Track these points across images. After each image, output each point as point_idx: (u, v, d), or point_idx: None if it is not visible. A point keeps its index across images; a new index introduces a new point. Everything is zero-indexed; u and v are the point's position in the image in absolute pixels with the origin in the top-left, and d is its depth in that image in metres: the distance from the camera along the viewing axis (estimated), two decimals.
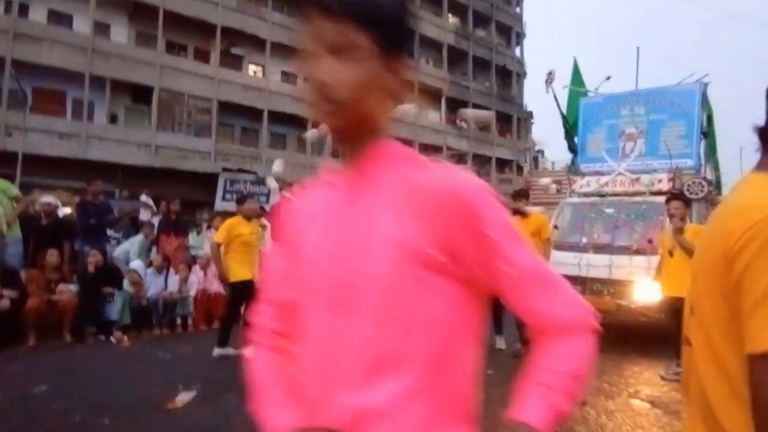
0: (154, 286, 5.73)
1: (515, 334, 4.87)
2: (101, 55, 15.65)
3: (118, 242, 6.64)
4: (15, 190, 5.46)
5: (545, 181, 9.09)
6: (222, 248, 4.69)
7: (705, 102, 6.72)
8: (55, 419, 3.10)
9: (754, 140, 0.81)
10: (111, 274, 5.55)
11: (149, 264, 6.04)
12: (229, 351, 4.52)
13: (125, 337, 5.27)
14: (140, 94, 17.01)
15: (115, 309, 5.34)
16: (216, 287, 6.12)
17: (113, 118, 16.89)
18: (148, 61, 16.49)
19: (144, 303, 5.59)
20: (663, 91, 6.60)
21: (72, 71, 15.18)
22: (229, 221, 4.89)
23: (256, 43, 19.15)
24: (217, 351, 4.60)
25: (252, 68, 19.97)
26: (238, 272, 4.63)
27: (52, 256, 5.29)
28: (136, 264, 5.82)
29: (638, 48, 7.48)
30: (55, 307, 5.05)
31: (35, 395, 3.54)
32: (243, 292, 4.53)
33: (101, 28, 16.35)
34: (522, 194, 5.03)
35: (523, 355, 4.79)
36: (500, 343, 5.21)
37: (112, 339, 5.22)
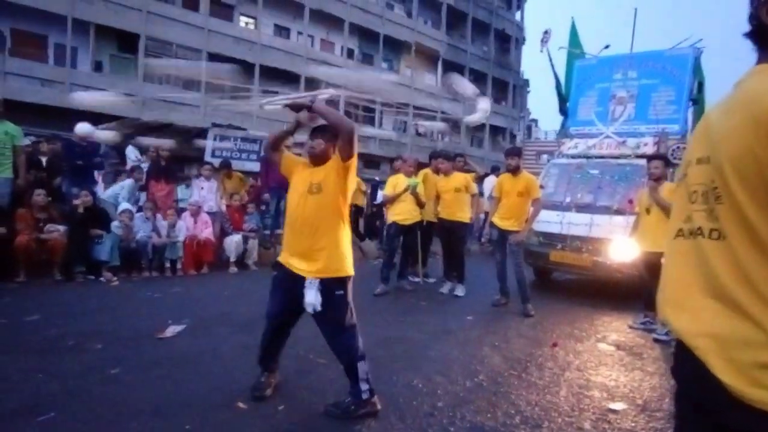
0: (142, 229, 5.78)
1: (497, 286, 5.08)
2: None
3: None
4: (19, 138, 5.40)
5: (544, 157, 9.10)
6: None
7: (697, 68, 6.74)
8: (48, 344, 3.22)
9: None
10: (100, 215, 5.57)
11: (138, 208, 6.06)
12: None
13: (115, 278, 5.37)
14: (126, 42, 16.42)
15: (104, 250, 5.40)
16: (206, 234, 6.20)
17: (98, 66, 16.36)
18: (135, 6, 15.84)
19: (133, 245, 5.65)
20: (656, 55, 6.60)
21: (53, 14, 14.54)
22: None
23: None
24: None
25: (243, 20, 19.30)
26: None
27: (39, 195, 5.28)
28: (125, 205, 5.84)
29: (636, 9, 7.37)
30: (44, 245, 5.10)
31: (28, 323, 3.65)
32: None
33: None
34: (514, 152, 5.09)
35: (501, 305, 5.01)
36: (459, 291, 5.48)
37: (102, 278, 5.31)
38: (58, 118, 13.18)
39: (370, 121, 22.46)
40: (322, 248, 2.37)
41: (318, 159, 2.50)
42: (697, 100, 7.38)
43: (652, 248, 4.17)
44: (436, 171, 5.83)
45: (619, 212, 5.53)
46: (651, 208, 4.32)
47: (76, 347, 3.18)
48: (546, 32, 7.29)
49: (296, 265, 2.40)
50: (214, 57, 17.48)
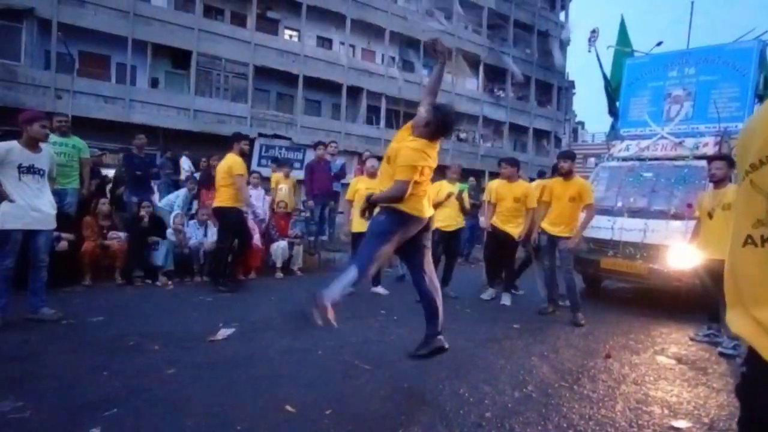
0: (195, 236, 6.06)
1: (544, 294, 4.93)
2: (142, 19, 16.00)
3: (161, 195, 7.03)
4: (86, 152, 5.80)
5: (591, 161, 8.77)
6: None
7: (763, 62, 6.28)
8: (112, 343, 3.42)
9: None
10: (156, 223, 5.89)
11: (192, 216, 6.36)
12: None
13: (170, 282, 5.65)
14: (179, 59, 17.36)
15: (160, 256, 5.70)
16: (253, 240, 6.40)
17: (154, 83, 17.38)
18: (187, 26, 16.75)
19: (186, 252, 5.93)
20: (716, 50, 6.21)
21: (115, 35, 15.63)
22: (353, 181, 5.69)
23: (292, 7, 19.04)
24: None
25: (287, 33, 19.93)
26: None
27: (104, 204, 5.66)
28: (179, 213, 6.15)
29: (692, 2, 6.98)
30: (107, 251, 5.45)
31: (93, 323, 3.90)
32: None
33: None
34: (568, 155, 4.92)
35: (548, 313, 4.84)
36: (506, 299, 5.33)
37: (158, 282, 5.60)
38: (120, 132, 14.11)
39: None
40: None
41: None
42: (764, 96, 6.88)
43: (715, 255, 3.89)
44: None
45: (676, 217, 5.22)
46: (714, 212, 4.05)
47: (136, 347, 3.36)
48: (593, 31, 7.04)
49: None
50: (259, 69, 18.17)
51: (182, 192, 6.62)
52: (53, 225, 3.89)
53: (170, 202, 6.41)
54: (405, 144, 2.75)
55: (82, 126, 13.42)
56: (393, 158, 2.75)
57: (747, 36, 6.29)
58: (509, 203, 5.22)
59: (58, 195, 4.77)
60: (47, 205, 3.79)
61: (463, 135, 25.15)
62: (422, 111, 2.79)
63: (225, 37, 17.50)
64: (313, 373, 3.03)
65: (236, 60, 17.89)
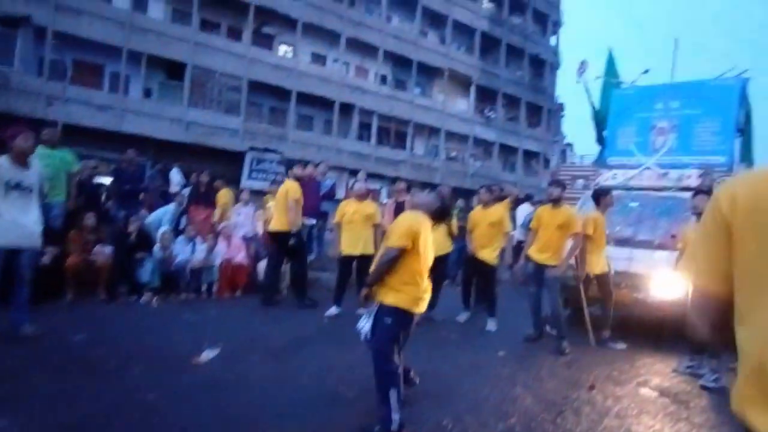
0: (182, 253, 6.00)
1: (529, 319, 4.95)
2: (138, 30, 16.05)
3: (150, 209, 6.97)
4: (75, 167, 5.74)
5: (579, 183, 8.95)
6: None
7: (743, 98, 6.51)
8: (92, 365, 3.36)
9: None
10: (144, 238, 5.84)
11: (179, 232, 6.31)
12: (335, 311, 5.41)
13: (154, 299, 5.57)
14: (174, 70, 17.40)
15: (146, 272, 5.63)
16: (240, 258, 6.37)
17: (147, 93, 17.36)
18: (183, 38, 16.84)
19: (172, 268, 5.87)
20: (700, 85, 6.42)
21: (110, 45, 15.64)
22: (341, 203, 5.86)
23: (288, 23, 19.26)
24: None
25: (283, 48, 20.12)
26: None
27: (90, 218, 5.60)
28: (167, 229, 6.10)
29: (676, 40, 7.24)
30: (91, 266, 5.37)
31: (75, 343, 3.83)
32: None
33: (139, 4, 16.72)
34: (559, 183, 5.04)
35: (533, 340, 4.87)
36: (491, 325, 5.38)
37: (143, 300, 5.52)
38: (111, 142, 14.03)
39: (401, 144, 22.71)
40: None
41: None
42: (744, 131, 7.10)
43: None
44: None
45: (661, 247, 5.31)
46: None
47: (117, 370, 3.30)
48: (582, 63, 7.24)
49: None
50: (253, 83, 18.27)
51: (170, 208, 6.58)
52: (38, 243, 3.85)
53: (158, 218, 6.36)
54: (403, 215, 2.94)
55: (73, 134, 13.36)
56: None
57: (729, 73, 6.51)
58: (484, 229, 5.36)
59: (44, 208, 4.71)
60: (33, 223, 3.75)
61: (453, 154, 25.43)
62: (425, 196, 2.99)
63: (220, 51, 17.61)
64: (297, 400, 3.00)
65: (231, 73, 17.98)
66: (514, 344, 4.75)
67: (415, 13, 22.68)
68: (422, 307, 2.81)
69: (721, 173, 6.04)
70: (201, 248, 6.09)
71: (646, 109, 6.75)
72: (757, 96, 7.46)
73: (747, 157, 7.55)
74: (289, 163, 5.82)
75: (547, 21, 28.31)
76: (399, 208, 6.22)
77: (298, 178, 6.10)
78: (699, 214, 4.20)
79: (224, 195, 7.27)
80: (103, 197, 6.58)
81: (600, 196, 5.16)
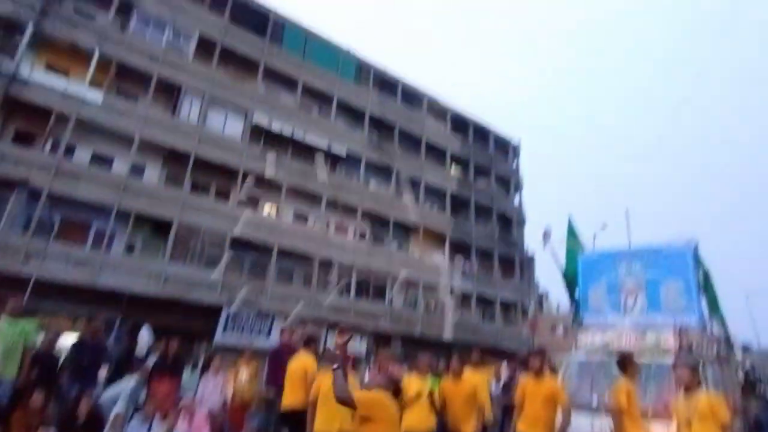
0: None
1: None
2: (132, 192, 16.98)
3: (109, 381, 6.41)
4: (33, 336, 5.51)
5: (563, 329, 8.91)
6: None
7: (698, 261, 7.02)
8: None
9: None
10: (94, 420, 5.25)
11: (137, 409, 5.72)
12: None
13: None
14: (159, 227, 17.93)
15: None
16: None
17: (130, 248, 17.54)
18: (173, 198, 17.79)
19: None
20: (656, 250, 6.97)
21: (102, 205, 16.31)
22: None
23: (273, 186, 20.81)
24: None
25: (267, 207, 21.34)
26: None
27: (37, 399, 5.07)
28: (122, 408, 5.54)
29: (627, 209, 8.09)
30: None
31: None
32: None
33: (136, 169, 18.03)
34: (539, 353, 4.89)
35: None
36: None
37: None
38: (82, 297, 13.60)
39: (381, 295, 22.71)
40: None
41: None
42: (706, 289, 7.49)
43: None
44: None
45: (656, 416, 5.07)
46: (692, 421, 3.96)
47: None
48: (545, 233, 7.88)
49: None
50: (235, 241, 18.82)
51: (129, 385, 6.02)
52: None
53: (116, 395, 5.81)
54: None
55: (44, 290, 12.97)
56: None
57: (678, 238, 7.14)
58: (459, 403, 5.10)
59: None
60: None
61: (432, 305, 25.40)
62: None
63: (207, 211, 18.51)
64: None
65: (215, 231, 18.62)
66: None
67: (391, 178, 25.02)
68: None
69: (696, 334, 6.17)
70: (158, 429, 5.46)
71: (612, 271, 7.17)
72: (710, 251, 8.07)
73: (716, 313, 7.81)
74: (309, 339, 5.60)
75: (510, 183, 31.53)
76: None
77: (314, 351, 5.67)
78: (684, 387, 4.13)
79: None
80: (58, 368, 6.08)
81: (626, 362, 4.73)
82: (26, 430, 4.83)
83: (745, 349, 8.27)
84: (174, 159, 18.83)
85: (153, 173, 18.83)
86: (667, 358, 5.42)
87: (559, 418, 4.60)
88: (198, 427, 5.71)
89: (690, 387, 4.06)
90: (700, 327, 6.49)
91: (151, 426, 5.50)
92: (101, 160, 17.57)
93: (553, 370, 6.26)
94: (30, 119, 16.09)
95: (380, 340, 21.03)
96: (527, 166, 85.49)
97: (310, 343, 5.68)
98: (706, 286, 7.54)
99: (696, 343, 5.96)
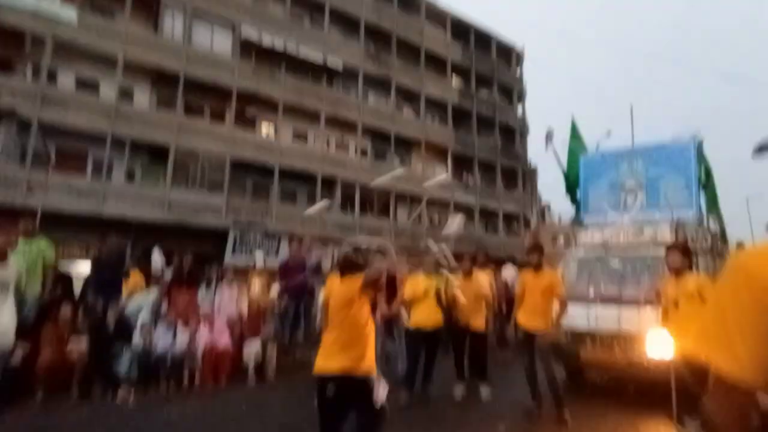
0: (163, 341, 5.77)
1: (525, 387, 4.80)
2: (124, 118, 16.57)
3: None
4: (51, 257, 5.64)
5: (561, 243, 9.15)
6: None
7: (701, 157, 6.94)
8: None
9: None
10: (122, 328, 5.62)
11: (159, 319, 6.10)
12: None
13: (131, 395, 5.23)
14: (158, 152, 17.76)
15: (123, 363, 5.35)
16: (223, 343, 6.13)
17: (130, 175, 17.55)
18: (167, 123, 17.40)
19: (152, 358, 5.60)
20: (659, 147, 6.86)
21: (95, 133, 16.02)
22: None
23: (269, 105, 20.19)
24: None
25: (265, 127, 20.91)
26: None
27: (65, 311, 5.40)
28: (147, 318, 5.90)
29: (632, 106, 7.83)
30: (65, 361, 5.09)
31: None
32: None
33: (125, 93, 17.42)
34: (535, 248, 5.10)
35: (534, 411, 4.69)
36: (485, 393, 5.31)
37: (119, 397, 5.18)
38: (92, 226, 13.90)
39: (385, 212, 23.08)
40: None
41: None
42: (707, 186, 7.50)
43: (689, 349, 3.96)
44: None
45: (647, 304, 5.35)
46: (679, 302, 4.18)
47: None
48: (548, 133, 7.71)
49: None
50: (236, 162, 18.71)
51: (151, 295, 6.41)
52: (11, 342, 3.67)
53: (138, 305, 6.16)
54: None
55: (51, 221, 13.23)
56: None
57: (683, 134, 7.00)
58: (471, 300, 5.44)
59: (18, 302, 4.55)
60: (7, 322, 3.60)
61: (436, 219, 25.86)
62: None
63: (204, 133, 18.18)
64: None
65: (214, 154, 18.44)
66: (513, 416, 4.56)
67: (390, 91, 24.13)
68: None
69: (692, 226, 6.29)
70: (182, 335, 5.86)
71: (613, 171, 7.13)
72: (713, 151, 7.98)
73: (714, 210, 7.90)
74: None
75: (512, 92, 30.40)
76: (391, 280, 6.18)
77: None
78: (674, 270, 4.29)
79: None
80: (81, 287, 6.40)
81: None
82: (58, 341, 5.21)
83: (740, 245, 8.47)
84: (163, 81, 18.10)
85: (143, 97, 18.21)
86: (662, 251, 5.58)
87: (556, 308, 4.88)
88: (219, 333, 6.13)
89: (680, 271, 4.24)
90: (697, 222, 6.59)
91: (175, 332, 5.91)
92: (86, 85, 16.92)
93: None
94: (5, 44, 15.24)
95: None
96: (530, 73, 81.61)
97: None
98: (707, 183, 7.54)
99: (691, 236, 6.09)
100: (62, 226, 14.05)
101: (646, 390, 5.26)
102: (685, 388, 4.16)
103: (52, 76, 15.97)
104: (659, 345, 4.73)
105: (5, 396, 4.25)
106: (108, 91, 16.98)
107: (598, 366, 5.46)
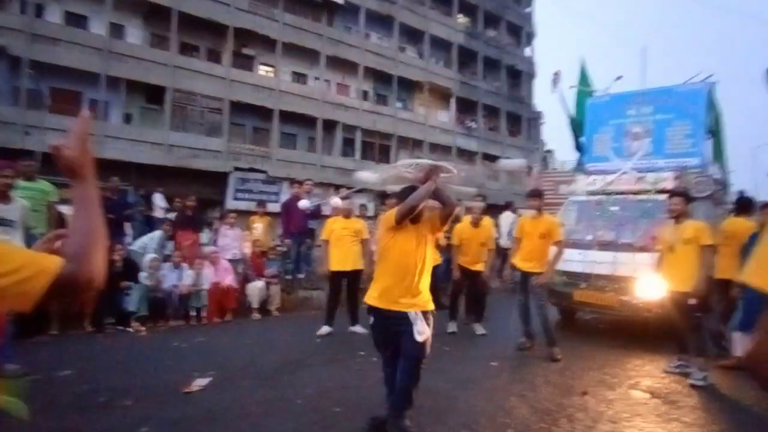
0: (169, 279, 5.94)
1: (520, 327, 5.00)
2: (117, 56, 16.01)
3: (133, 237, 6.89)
4: (53, 196, 5.64)
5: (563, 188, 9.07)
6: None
7: (711, 102, 6.74)
8: (81, 400, 3.29)
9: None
10: (129, 267, 5.77)
11: (166, 258, 6.24)
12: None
13: (143, 328, 5.49)
14: (154, 95, 17.34)
15: (132, 301, 5.55)
16: (228, 281, 6.32)
17: (128, 118, 17.25)
18: (162, 62, 16.83)
19: (160, 295, 5.80)
20: (669, 90, 6.65)
21: (88, 72, 15.54)
22: (328, 220, 5.70)
23: (267, 44, 19.41)
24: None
25: (263, 68, 20.22)
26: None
27: None
28: (153, 257, 6.03)
29: (644, 47, 7.50)
30: None
31: (62, 378, 3.74)
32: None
33: (116, 30, 16.70)
34: (535, 194, 5.11)
35: (526, 348, 4.91)
36: (479, 329, 5.64)
37: (130, 329, 5.43)
38: (96, 168, 13.82)
39: (385, 158, 22.87)
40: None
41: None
42: (715, 133, 7.35)
43: (680, 288, 4.08)
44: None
45: (643, 249, 5.43)
46: (675, 246, 4.25)
47: (106, 404, 3.24)
48: (556, 73, 7.45)
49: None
50: (235, 105, 18.30)
51: (156, 234, 6.52)
52: None
53: (144, 244, 6.29)
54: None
55: (50, 162, 13.17)
56: None
57: (695, 78, 6.76)
58: (474, 247, 5.62)
59: (27, 241, 4.63)
60: None
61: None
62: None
63: (200, 73, 17.63)
64: (292, 425, 2.98)
65: (212, 95, 17.99)
66: (506, 353, 4.78)
67: (393, 30, 23.07)
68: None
69: (695, 174, 6.24)
70: (188, 273, 6.03)
71: (620, 116, 6.95)
72: (724, 99, 7.75)
73: (720, 158, 7.80)
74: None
75: (521, 33, 29.03)
76: None
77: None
78: (675, 216, 4.32)
79: None
80: None
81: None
82: None
83: (741, 193, 8.43)
84: (155, 16, 17.30)
85: (135, 34, 17.49)
86: (661, 197, 5.58)
87: (552, 251, 4.98)
88: (224, 271, 6.31)
89: (680, 216, 4.28)
90: (701, 169, 6.52)
91: (181, 270, 6.07)
92: (75, 20, 16.21)
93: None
94: None
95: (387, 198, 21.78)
96: (542, 12, 77.21)
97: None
98: (716, 129, 7.38)
99: (693, 182, 6.05)
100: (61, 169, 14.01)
101: (635, 330, 5.48)
102: (676, 329, 4.33)
103: (39, 12, 15.27)
104: (650, 287, 4.86)
105: (22, 328, 4.43)
106: (98, 26, 16.28)
107: (591, 306, 5.64)
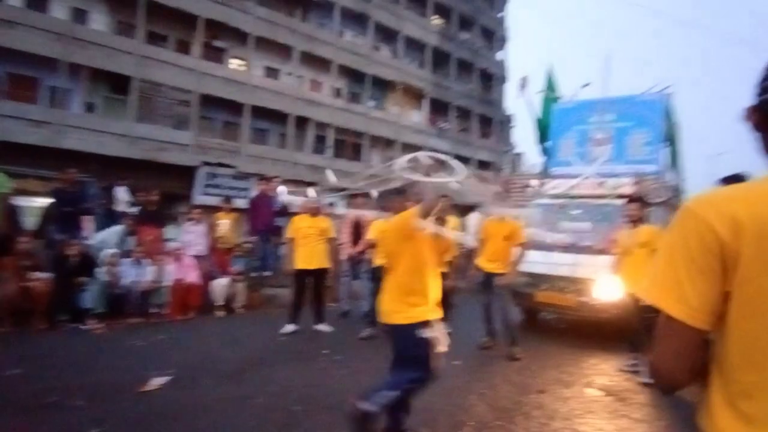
0: (129, 275, 5.75)
1: (483, 327, 5.11)
2: (79, 42, 15.32)
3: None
4: (6, 187, 5.39)
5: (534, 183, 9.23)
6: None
7: (668, 112, 7.08)
8: (30, 401, 3.16)
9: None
10: (86, 262, 5.55)
11: (127, 253, 6.04)
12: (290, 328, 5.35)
13: (99, 325, 5.29)
14: (119, 84, 16.70)
15: (89, 297, 5.35)
16: (191, 278, 6.18)
17: (90, 107, 16.55)
18: (128, 51, 16.23)
19: (119, 291, 5.61)
20: (629, 99, 6.94)
21: (48, 58, 14.82)
22: (294, 218, 5.67)
23: (239, 37, 19.02)
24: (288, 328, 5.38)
25: (234, 62, 19.81)
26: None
27: (24, 242, 5.27)
28: (111, 252, 5.84)
29: (608, 56, 7.80)
30: (28, 293, 5.05)
31: (10, 378, 3.57)
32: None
33: (79, 15, 16.01)
34: (500, 198, 5.24)
35: (488, 347, 5.02)
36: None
37: (86, 326, 5.23)
38: (50, 159, 13.22)
39: (357, 156, 22.83)
40: None
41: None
42: (672, 141, 7.72)
43: (635, 290, 4.27)
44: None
45: (602, 252, 5.65)
46: (632, 249, 4.44)
47: (58, 404, 3.12)
48: (523, 79, 7.63)
49: None
50: (205, 98, 17.85)
51: (116, 229, 6.30)
52: None
53: (103, 240, 6.07)
54: None
55: (6, 151, 12.49)
56: None
57: (654, 88, 7.08)
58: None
59: None
60: None
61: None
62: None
63: (168, 64, 17.11)
64: (253, 423, 2.95)
65: (180, 87, 17.48)
66: (469, 353, 4.88)
67: (367, 29, 23.05)
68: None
69: (652, 180, 6.54)
70: (149, 270, 5.86)
71: (584, 122, 7.21)
72: (682, 108, 8.15)
73: (676, 165, 8.19)
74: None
75: (494, 37, 29.56)
76: (357, 225, 6.27)
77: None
78: (632, 221, 4.52)
79: None
80: (41, 220, 6.20)
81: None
82: (17, 274, 5.12)
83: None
84: (121, 2, 16.65)
85: (99, 20, 16.80)
86: (620, 202, 5.81)
87: (515, 253, 5.12)
88: (187, 268, 6.16)
89: (637, 221, 4.48)
90: (657, 176, 6.82)
91: (141, 267, 5.89)
92: (35, 3, 15.42)
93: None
94: None
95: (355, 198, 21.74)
96: (515, 16, 78.83)
97: None
98: (673, 137, 7.74)
99: (650, 189, 6.34)
100: (18, 159, 13.32)
101: (593, 330, 5.69)
102: (629, 329, 4.52)
103: None
104: (607, 289, 5.07)
105: None
106: (60, 10, 15.56)
107: (552, 307, 5.82)
